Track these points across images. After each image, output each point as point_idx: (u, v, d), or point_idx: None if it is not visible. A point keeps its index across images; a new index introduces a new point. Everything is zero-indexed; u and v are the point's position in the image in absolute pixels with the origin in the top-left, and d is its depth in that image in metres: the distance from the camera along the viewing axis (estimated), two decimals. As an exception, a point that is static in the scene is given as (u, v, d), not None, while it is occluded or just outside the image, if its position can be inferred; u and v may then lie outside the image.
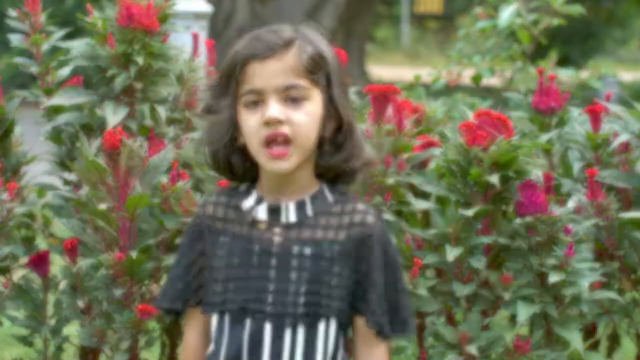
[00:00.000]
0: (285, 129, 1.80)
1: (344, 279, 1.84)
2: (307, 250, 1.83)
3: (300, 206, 1.86)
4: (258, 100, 1.81)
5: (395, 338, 1.92)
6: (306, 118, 1.81)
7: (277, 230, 1.85)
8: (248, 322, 1.84)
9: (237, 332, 1.84)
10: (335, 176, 1.89)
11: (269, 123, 1.79)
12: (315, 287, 1.83)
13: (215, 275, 1.86)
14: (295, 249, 1.84)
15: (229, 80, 1.84)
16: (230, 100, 1.84)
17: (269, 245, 1.85)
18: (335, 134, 1.86)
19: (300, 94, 1.82)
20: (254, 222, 1.86)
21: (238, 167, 1.88)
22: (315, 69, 1.83)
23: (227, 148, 1.86)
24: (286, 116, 1.80)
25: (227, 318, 1.85)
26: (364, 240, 1.85)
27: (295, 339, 1.83)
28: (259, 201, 1.87)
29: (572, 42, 14.73)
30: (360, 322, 1.88)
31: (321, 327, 1.84)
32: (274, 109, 1.80)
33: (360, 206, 1.88)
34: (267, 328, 1.83)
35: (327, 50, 1.87)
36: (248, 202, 1.88)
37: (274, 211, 1.86)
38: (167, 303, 1.92)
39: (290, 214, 1.86)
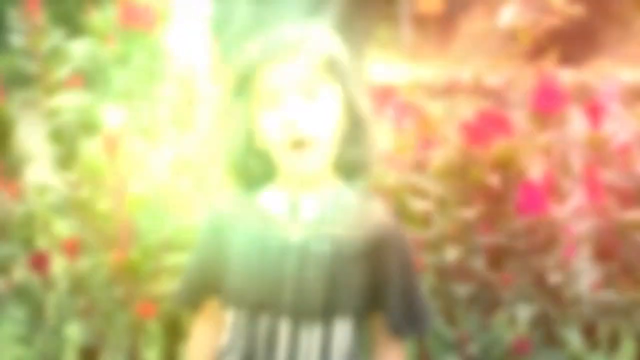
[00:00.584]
0: (305, 129, 1.80)
1: (362, 277, 1.83)
2: (326, 248, 1.83)
3: (320, 202, 1.86)
4: (275, 101, 1.80)
5: (412, 336, 1.92)
6: (326, 111, 1.81)
7: (295, 226, 1.85)
8: (264, 319, 1.83)
9: (253, 328, 1.84)
10: (352, 171, 1.89)
11: (289, 125, 1.79)
12: (333, 285, 1.82)
13: (232, 270, 1.86)
14: (314, 246, 1.83)
15: (245, 84, 1.83)
16: (246, 104, 1.84)
17: (287, 241, 1.84)
18: (352, 129, 1.86)
19: (320, 91, 1.81)
20: (272, 218, 1.86)
21: (256, 170, 1.87)
22: (329, 67, 1.83)
23: (244, 152, 1.86)
24: (306, 113, 1.80)
25: (243, 314, 1.85)
26: (382, 240, 1.84)
27: (311, 338, 1.83)
28: (277, 196, 1.87)
29: (572, 41, 14.73)
30: (377, 321, 1.89)
31: (338, 325, 1.84)
32: (292, 109, 1.79)
33: (378, 205, 1.89)
34: (284, 325, 1.83)
35: (338, 48, 1.87)
36: (265, 198, 1.88)
37: (293, 207, 1.86)
38: (182, 300, 1.93)
39: (309, 210, 1.85)
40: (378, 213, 1.87)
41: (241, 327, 1.85)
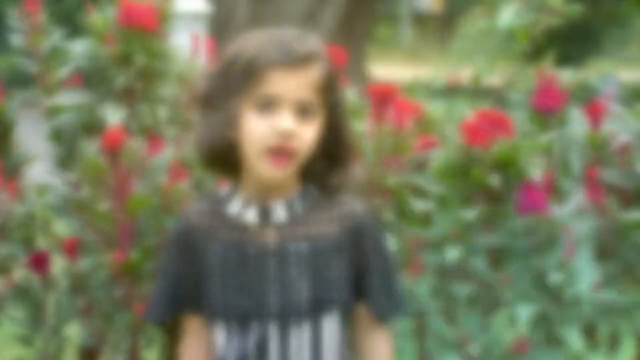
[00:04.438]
0: (294, 143, 1.81)
1: (343, 270, 1.87)
2: (304, 247, 1.85)
3: (290, 205, 1.88)
4: (270, 105, 1.80)
5: (393, 319, 1.95)
6: (312, 134, 1.83)
7: (269, 231, 1.87)
8: (253, 326, 1.85)
9: (243, 336, 1.86)
10: (330, 192, 1.91)
11: (282, 134, 1.79)
12: (316, 282, 1.85)
13: (211, 283, 1.87)
14: (292, 247, 1.85)
15: (243, 80, 1.82)
16: (239, 99, 1.83)
17: (264, 246, 1.86)
18: (336, 155, 1.89)
19: (313, 110, 1.83)
20: (245, 227, 1.87)
21: (229, 162, 1.87)
22: (330, 88, 1.85)
23: (222, 142, 1.85)
24: (298, 130, 1.81)
25: (233, 324, 1.86)
26: (356, 230, 1.88)
27: (301, 337, 1.85)
28: (245, 205, 1.88)
29: (572, 42, 14.72)
30: (361, 308, 1.92)
31: (326, 321, 1.86)
32: (289, 121, 1.80)
33: (347, 197, 1.91)
34: (273, 329, 1.85)
35: (336, 71, 1.89)
36: (233, 207, 1.89)
37: (264, 213, 1.87)
38: (155, 316, 1.94)
39: (280, 214, 1.87)
40: (349, 204, 1.90)
41: (232, 338, 1.87)
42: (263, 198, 1.87)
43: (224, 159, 1.87)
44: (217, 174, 1.95)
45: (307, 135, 1.82)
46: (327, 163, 1.89)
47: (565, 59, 15.30)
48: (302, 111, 1.82)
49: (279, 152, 1.81)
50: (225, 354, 1.88)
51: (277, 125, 1.80)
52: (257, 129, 1.81)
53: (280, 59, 1.80)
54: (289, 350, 1.85)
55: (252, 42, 1.84)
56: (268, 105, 1.80)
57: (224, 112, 1.84)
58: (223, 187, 2.01)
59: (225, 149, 1.85)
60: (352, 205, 1.89)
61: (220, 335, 1.89)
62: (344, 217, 1.88)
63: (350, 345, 1.94)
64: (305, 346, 1.85)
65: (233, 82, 1.83)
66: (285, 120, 1.80)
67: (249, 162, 1.84)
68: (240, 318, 1.85)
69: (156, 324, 1.96)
